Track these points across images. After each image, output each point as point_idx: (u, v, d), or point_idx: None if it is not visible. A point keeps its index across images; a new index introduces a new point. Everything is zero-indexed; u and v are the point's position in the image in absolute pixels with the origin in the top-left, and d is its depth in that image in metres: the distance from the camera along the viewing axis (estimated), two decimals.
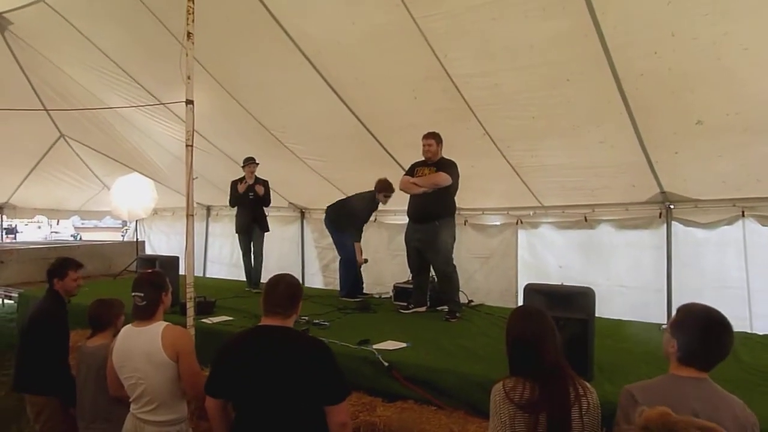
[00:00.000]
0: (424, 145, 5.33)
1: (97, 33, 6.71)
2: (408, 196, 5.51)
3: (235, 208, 7.43)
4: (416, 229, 5.44)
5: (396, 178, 6.43)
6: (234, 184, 7.29)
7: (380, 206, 6.63)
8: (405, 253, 5.67)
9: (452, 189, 5.31)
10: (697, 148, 5.10)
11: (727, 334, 2.00)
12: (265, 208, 7.42)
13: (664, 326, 2.19)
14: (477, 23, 4.64)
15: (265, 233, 7.44)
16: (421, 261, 5.50)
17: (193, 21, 4.01)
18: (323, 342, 2.62)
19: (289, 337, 2.53)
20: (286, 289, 2.58)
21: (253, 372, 2.42)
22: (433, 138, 5.31)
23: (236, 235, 7.49)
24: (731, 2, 3.80)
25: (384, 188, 6.37)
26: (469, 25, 4.69)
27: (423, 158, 5.39)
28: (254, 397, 2.42)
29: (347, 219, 6.49)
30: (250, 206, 7.26)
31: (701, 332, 2.01)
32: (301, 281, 9.11)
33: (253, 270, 7.33)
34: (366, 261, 6.74)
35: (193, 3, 4.03)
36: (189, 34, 4.00)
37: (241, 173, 7.26)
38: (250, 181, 7.20)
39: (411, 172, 5.49)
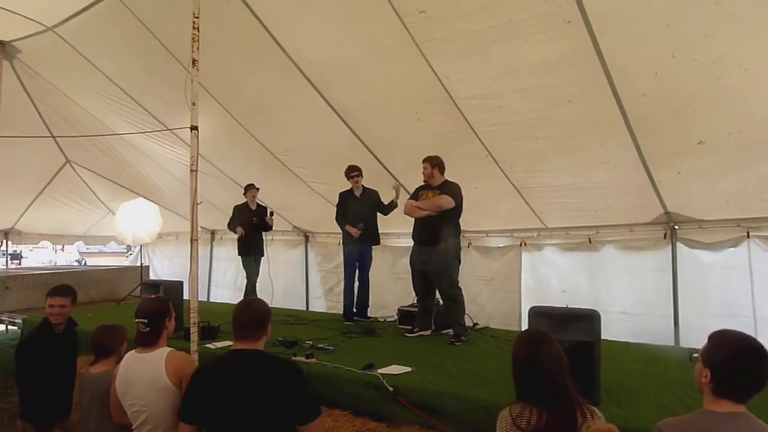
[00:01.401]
0: (422, 168, 5.41)
1: (103, 60, 6.80)
2: (413, 219, 5.51)
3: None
4: (421, 252, 5.43)
5: (400, 200, 6.47)
6: (236, 209, 7.45)
7: (356, 192, 6.58)
8: (409, 276, 5.66)
9: (456, 211, 5.32)
10: (699, 168, 5.10)
11: (764, 362, 1.87)
12: (264, 233, 7.67)
13: (695, 355, 2.09)
14: (478, 46, 4.70)
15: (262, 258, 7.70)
16: (426, 284, 5.48)
17: (198, 48, 4.07)
18: (293, 363, 2.74)
19: (259, 360, 2.59)
20: (254, 313, 2.66)
21: (224, 397, 2.46)
22: (428, 162, 5.38)
23: (239, 259, 7.67)
24: (730, 24, 3.84)
25: (346, 173, 6.45)
26: (471, 48, 4.75)
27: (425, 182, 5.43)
28: (227, 421, 2.45)
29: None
30: (252, 229, 7.46)
31: (736, 360, 1.88)
32: (305, 305, 9.17)
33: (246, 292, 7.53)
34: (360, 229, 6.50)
35: (198, 31, 4.09)
36: (194, 61, 4.06)
37: (243, 198, 7.38)
38: (253, 207, 7.43)
39: (415, 195, 5.53)
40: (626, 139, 4.98)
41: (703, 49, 4.04)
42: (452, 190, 5.30)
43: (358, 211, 6.46)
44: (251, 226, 7.44)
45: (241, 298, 8.85)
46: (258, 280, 7.69)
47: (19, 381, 3.78)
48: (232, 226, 7.55)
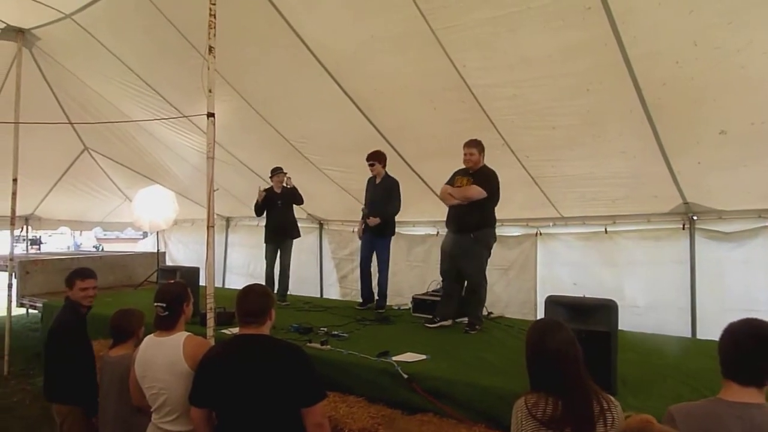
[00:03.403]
0: (465, 154, 5.22)
1: (120, 47, 6.85)
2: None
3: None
4: (453, 239, 5.33)
5: (417, 189, 6.44)
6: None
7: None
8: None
9: (491, 201, 5.17)
10: (720, 158, 5.02)
11: (759, 342, 1.91)
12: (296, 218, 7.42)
13: None
14: (495, 34, 4.65)
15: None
16: (454, 270, 5.37)
17: (214, 35, 4.08)
18: (298, 346, 2.80)
19: (265, 344, 2.67)
20: (256, 299, 2.73)
21: (232, 380, 2.55)
22: (475, 146, 5.19)
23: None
24: (754, 10, 3.76)
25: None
26: (488, 36, 4.70)
27: (463, 166, 5.30)
28: (235, 404, 2.53)
29: None
30: (279, 213, 7.28)
31: (732, 340, 1.95)
32: (319, 292, 9.19)
33: (280, 281, 7.31)
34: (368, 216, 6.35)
35: (215, 18, 4.10)
36: (210, 48, 4.07)
37: (261, 183, 7.32)
38: (278, 191, 7.28)
39: (451, 180, 5.37)
40: (645, 129, 4.91)
41: (726, 37, 3.96)
42: (487, 178, 5.14)
43: (372, 199, 6.35)
44: (276, 210, 7.22)
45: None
46: (290, 264, 7.40)
47: (52, 362, 3.80)
48: (257, 208, 7.30)
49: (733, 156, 4.94)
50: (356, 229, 6.47)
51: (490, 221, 5.28)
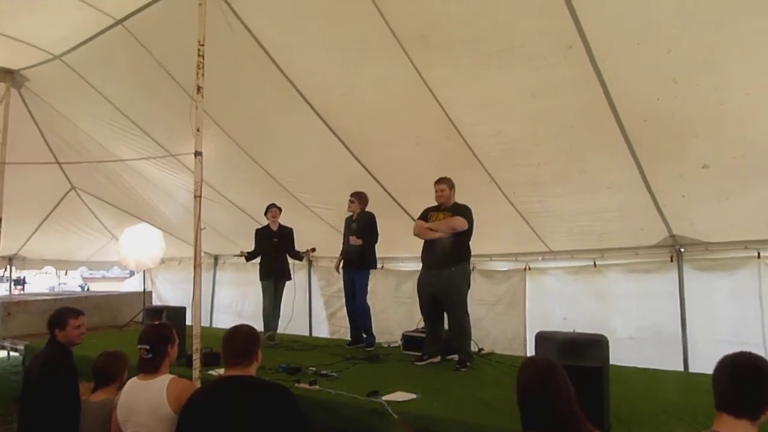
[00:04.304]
0: (436, 191, 5.33)
1: (109, 87, 6.90)
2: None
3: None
4: (431, 275, 5.33)
5: (403, 224, 6.46)
6: (257, 233, 7.36)
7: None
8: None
9: (467, 234, 5.25)
10: (704, 192, 5.10)
11: (749, 372, 1.93)
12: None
13: None
14: (479, 71, 4.74)
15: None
16: (435, 308, 5.37)
17: (203, 75, 4.13)
18: (285, 387, 2.75)
19: (251, 385, 2.64)
20: (242, 339, 2.72)
21: (217, 423, 2.50)
22: (446, 183, 5.32)
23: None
24: (731, 49, 3.87)
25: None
26: (472, 73, 4.79)
27: (436, 203, 5.39)
28: None
29: None
30: (273, 253, 7.26)
31: (723, 371, 1.98)
32: (308, 330, 9.07)
33: (271, 320, 7.22)
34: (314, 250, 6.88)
35: (203, 58, 4.16)
36: (199, 88, 4.12)
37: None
38: (274, 228, 7.28)
39: (424, 216, 5.44)
40: (629, 164, 4.98)
41: (704, 74, 4.07)
42: (464, 211, 5.23)
43: (347, 235, 6.46)
44: (272, 248, 7.21)
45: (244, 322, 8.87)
46: (282, 305, 7.36)
47: (34, 407, 3.67)
48: (250, 255, 7.32)
49: (716, 189, 5.02)
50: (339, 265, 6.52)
51: (468, 255, 5.34)
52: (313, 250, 7.10)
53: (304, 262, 9.44)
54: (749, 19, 3.68)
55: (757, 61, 3.89)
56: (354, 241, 6.25)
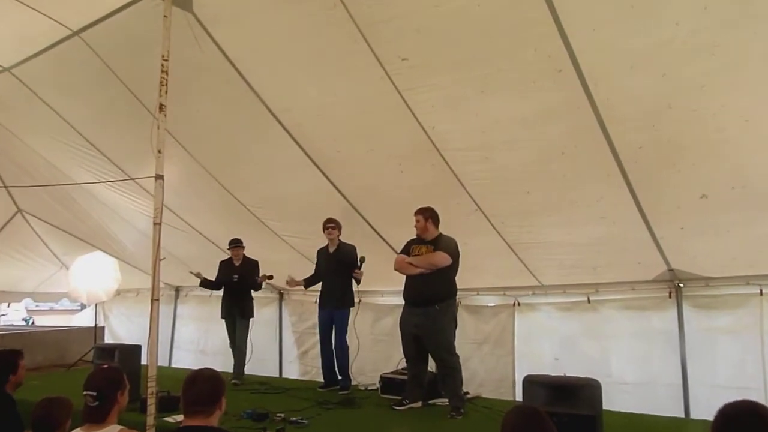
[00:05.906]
0: (414, 221, 5.34)
1: (64, 104, 6.81)
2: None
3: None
4: (414, 314, 5.30)
5: (384, 256, 6.43)
6: (221, 265, 7.41)
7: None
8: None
9: (453, 268, 5.24)
10: (703, 223, 5.16)
11: (757, 424, 1.95)
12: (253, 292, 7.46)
13: None
14: (465, 96, 4.78)
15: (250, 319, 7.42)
16: (418, 349, 5.33)
17: (166, 93, 4.10)
18: None
19: None
20: (204, 384, 2.63)
21: None
22: (421, 214, 5.35)
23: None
24: (729, 74, 3.96)
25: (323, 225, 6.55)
26: (457, 97, 4.83)
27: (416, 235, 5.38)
28: None
29: None
30: (232, 290, 7.29)
31: (722, 421, 2.01)
32: (278, 370, 8.93)
33: (235, 361, 7.18)
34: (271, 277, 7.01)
35: (167, 74, 4.13)
36: (161, 106, 4.08)
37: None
38: (237, 263, 7.31)
39: (406, 250, 5.44)
40: (624, 194, 5.03)
41: (701, 100, 4.15)
42: (448, 245, 5.23)
43: (328, 268, 6.45)
44: (233, 284, 7.26)
45: (206, 362, 8.70)
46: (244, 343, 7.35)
47: None
48: (208, 282, 7.44)
49: (716, 221, 5.08)
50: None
51: (454, 291, 5.34)
52: (270, 277, 7.12)
53: (275, 295, 9.37)
54: (748, 43, 3.76)
55: (756, 88, 3.99)
56: (359, 274, 6.31)
